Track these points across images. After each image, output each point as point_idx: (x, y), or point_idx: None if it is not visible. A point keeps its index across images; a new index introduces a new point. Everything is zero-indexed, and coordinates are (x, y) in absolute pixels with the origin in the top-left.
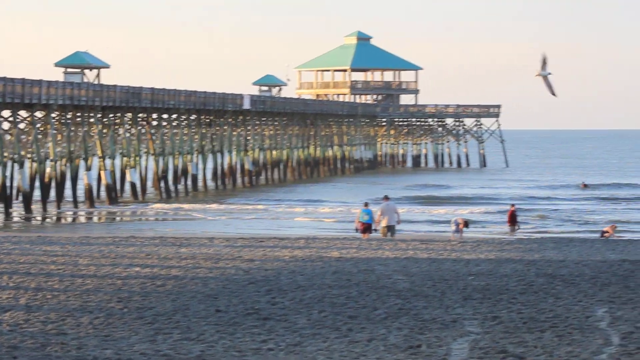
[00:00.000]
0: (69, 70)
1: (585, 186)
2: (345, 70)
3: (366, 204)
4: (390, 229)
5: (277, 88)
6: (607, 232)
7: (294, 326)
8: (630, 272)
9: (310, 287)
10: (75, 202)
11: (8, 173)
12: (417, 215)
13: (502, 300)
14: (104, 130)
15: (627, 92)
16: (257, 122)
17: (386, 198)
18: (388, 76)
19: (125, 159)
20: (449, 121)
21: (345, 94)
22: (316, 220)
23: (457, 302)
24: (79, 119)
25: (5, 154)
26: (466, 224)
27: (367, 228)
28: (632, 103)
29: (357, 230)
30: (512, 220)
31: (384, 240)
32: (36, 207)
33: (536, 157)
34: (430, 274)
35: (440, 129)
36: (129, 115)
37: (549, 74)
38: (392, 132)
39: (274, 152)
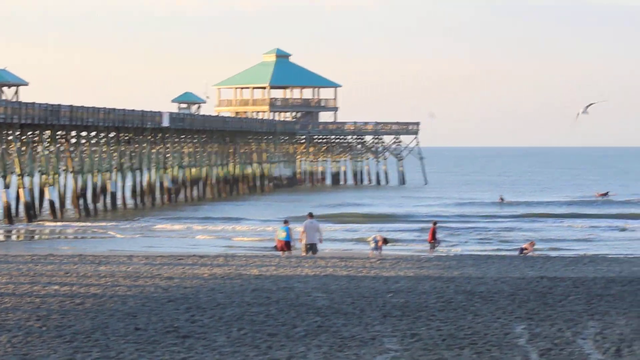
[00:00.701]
0: None
1: (502, 200)
2: (264, 88)
3: (285, 222)
4: (311, 247)
5: (196, 105)
6: (526, 249)
7: (214, 344)
8: (548, 288)
9: (229, 305)
10: None
11: None
12: (336, 233)
13: (421, 317)
14: (23, 148)
15: (542, 109)
16: (176, 140)
17: (310, 216)
18: (307, 93)
19: (44, 176)
20: (368, 138)
21: (264, 112)
22: (234, 239)
23: (376, 320)
24: None
25: None
26: (385, 241)
27: (285, 245)
28: (549, 120)
29: (276, 248)
30: (433, 237)
31: (304, 258)
32: None
33: (455, 174)
34: (349, 291)
35: (359, 146)
36: (48, 132)
37: (586, 113)
38: (311, 149)
39: (193, 170)
